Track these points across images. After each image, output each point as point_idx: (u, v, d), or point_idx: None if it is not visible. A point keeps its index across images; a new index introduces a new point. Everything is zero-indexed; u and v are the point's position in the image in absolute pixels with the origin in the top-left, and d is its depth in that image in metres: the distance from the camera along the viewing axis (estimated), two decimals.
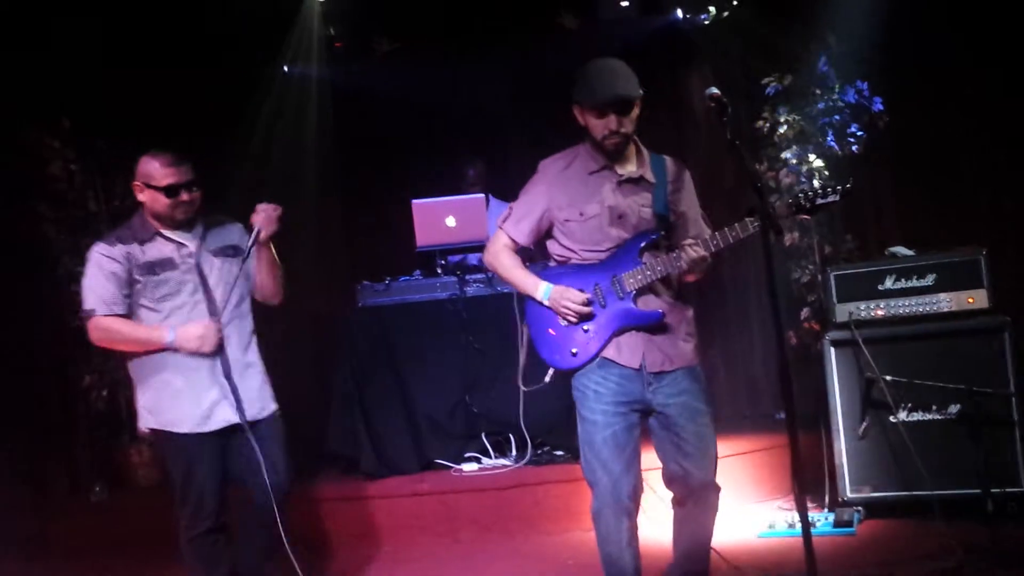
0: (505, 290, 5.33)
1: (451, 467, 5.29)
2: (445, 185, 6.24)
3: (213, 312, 3.61)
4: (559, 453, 5.24)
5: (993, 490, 4.15)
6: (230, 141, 6.35)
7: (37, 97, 5.42)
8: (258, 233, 3.59)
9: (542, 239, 3.35)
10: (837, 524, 4.40)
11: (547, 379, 3.32)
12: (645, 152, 3.28)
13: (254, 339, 3.78)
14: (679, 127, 6.64)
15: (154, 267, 3.57)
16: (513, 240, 3.35)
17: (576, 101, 3.20)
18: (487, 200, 5.99)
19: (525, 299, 3.35)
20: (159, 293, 3.57)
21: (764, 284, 6.18)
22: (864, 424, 4.50)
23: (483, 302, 5.41)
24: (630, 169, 3.23)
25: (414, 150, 7.04)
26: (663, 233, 3.19)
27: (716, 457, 3.22)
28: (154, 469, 5.67)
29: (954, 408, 4.38)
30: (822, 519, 4.44)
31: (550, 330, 3.27)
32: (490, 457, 5.31)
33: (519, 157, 6.85)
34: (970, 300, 4.46)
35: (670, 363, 3.18)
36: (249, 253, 3.62)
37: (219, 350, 3.58)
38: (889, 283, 4.61)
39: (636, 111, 3.17)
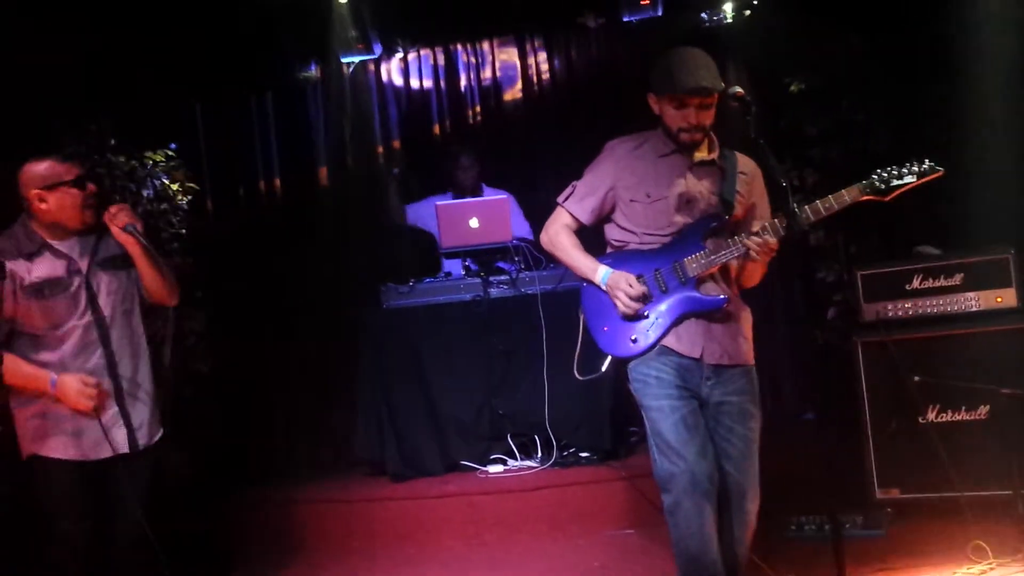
0: (529, 291, 5.34)
1: (477, 469, 5.30)
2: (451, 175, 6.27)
3: (104, 334, 3.37)
4: (585, 455, 5.23)
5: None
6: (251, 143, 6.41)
7: (68, 102, 5.46)
8: (136, 229, 3.32)
9: (601, 221, 3.25)
10: (866, 525, 4.36)
11: (603, 368, 3.18)
12: (717, 141, 3.18)
13: (147, 359, 3.54)
14: None
15: (42, 289, 3.29)
16: (575, 218, 3.23)
17: (653, 89, 3.08)
18: (481, 188, 6.08)
19: (582, 285, 3.24)
20: (48, 319, 3.30)
21: (790, 283, 6.22)
22: (893, 425, 4.46)
23: (507, 303, 5.41)
24: (701, 155, 3.13)
25: (436, 149, 7.07)
26: (728, 218, 3.08)
27: (758, 466, 3.15)
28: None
29: (984, 408, 4.34)
30: (851, 521, 4.41)
31: (608, 316, 3.14)
32: (516, 459, 5.31)
33: (543, 154, 6.91)
34: (998, 299, 4.42)
35: (728, 358, 3.10)
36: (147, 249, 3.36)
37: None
38: (916, 283, 4.58)
39: (715, 105, 3.05)
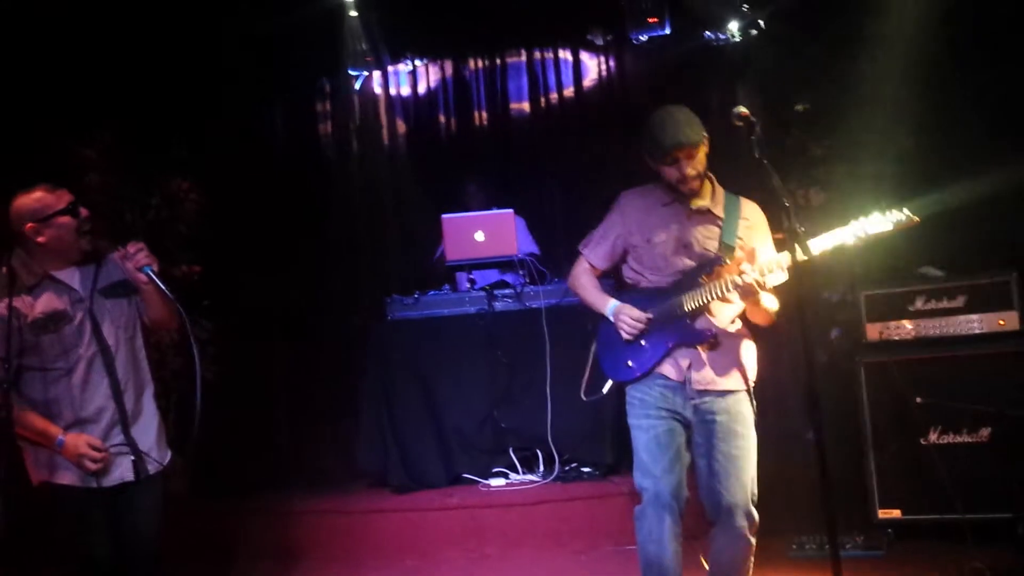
0: (533, 305, 5.37)
1: (479, 482, 5.32)
2: (461, 201, 6.30)
3: (109, 363, 3.29)
4: (586, 470, 5.25)
5: None
6: (259, 154, 6.45)
7: (77, 107, 5.50)
8: (152, 271, 3.20)
9: (618, 264, 3.55)
10: (866, 546, 4.37)
11: (604, 390, 3.51)
12: (720, 189, 3.42)
13: (150, 384, 3.47)
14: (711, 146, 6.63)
15: (47, 323, 3.20)
16: (591, 264, 3.58)
17: (646, 153, 3.32)
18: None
19: (599, 317, 3.53)
20: (53, 352, 3.21)
21: (793, 302, 6.21)
22: (894, 446, 4.47)
23: (511, 317, 5.44)
24: (700, 204, 3.38)
25: (444, 164, 7.10)
26: (726, 262, 3.32)
27: (749, 483, 3.28)
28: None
29: (985, 431, 4.36)
30: (851, 541, 4.42)
31: (614, 344, 3.46)
32: (518, 472, 5.33)
33: (551, 169, 6.94)
34: (1001, 322, 4.44)
35: (715, 384, 3.30)
36: (165, 292, 3.24)
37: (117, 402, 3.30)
38: (920, 304, 4.60)
39: (704, 151, 3.29)
